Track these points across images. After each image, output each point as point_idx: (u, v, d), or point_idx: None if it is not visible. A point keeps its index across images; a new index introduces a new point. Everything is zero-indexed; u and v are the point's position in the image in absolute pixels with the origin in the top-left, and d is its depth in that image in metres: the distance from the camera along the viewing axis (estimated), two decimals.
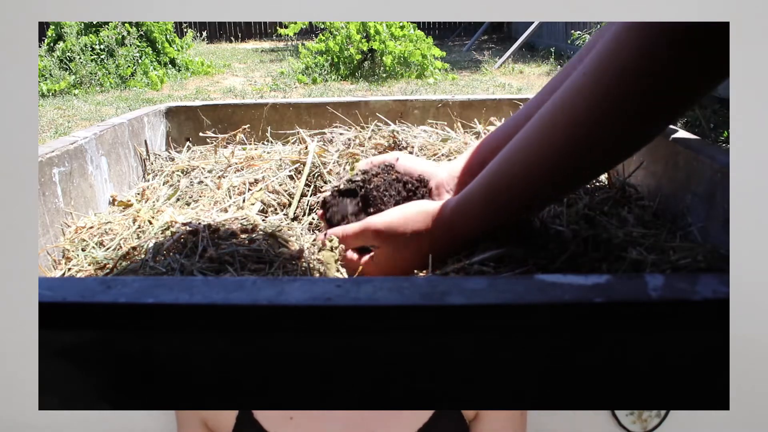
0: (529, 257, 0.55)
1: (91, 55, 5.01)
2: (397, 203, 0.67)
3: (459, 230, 0.58)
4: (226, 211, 0.75)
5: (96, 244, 0.69)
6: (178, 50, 5.70)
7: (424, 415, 0.66)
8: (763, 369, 0.54)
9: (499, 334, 0.38)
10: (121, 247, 0.67)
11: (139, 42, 5.32)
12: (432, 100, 1.11)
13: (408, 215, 0.61)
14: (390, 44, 4.96)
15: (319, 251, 0.66)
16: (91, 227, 0.73)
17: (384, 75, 5.04)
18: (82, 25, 5.16)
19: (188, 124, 1.11)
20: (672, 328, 0.38)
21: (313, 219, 0.77)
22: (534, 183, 0.53)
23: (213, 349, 0.40)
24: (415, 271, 0.61)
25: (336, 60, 5.16)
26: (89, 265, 0.65)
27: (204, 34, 8.27)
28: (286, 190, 0.82)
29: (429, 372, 0.40)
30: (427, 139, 0.93)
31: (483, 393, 0.41)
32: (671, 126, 0.81)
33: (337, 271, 0.64)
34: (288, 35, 5.99)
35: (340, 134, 0.97)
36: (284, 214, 0.79)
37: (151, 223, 0.71)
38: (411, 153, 0.87)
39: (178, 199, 0.82)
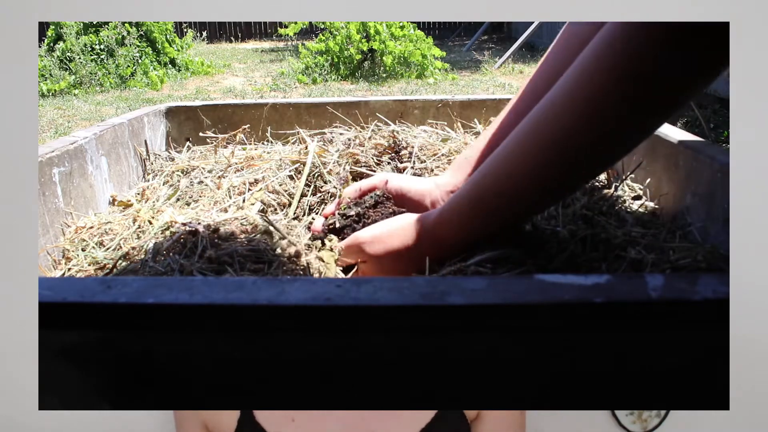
0: (527, 258, 0.55)
1: (91, 55, 5.01)
2: None
3: (444, 240, 0.57)
4: (226, 211, 0.75)
5: (96, 244, 0.69)
6: (178, 50, 5.70)
7: (425, 416, 0.66)
8: (763, 369, 0.55)
9: (499, 334, 0.38)
10: (121, 247, 0.67)
11: (139, 42, 5.32)
12: (432, 100, 1.11)
13: (393, 228, 0.61)
14: (390, 44, 4.97)
15: (318, 250, 0.66)
16: (91, 227, 0.73)
17: (384, 75, 5.04)
18: (82, 25, 5.16)
19: (188, 124, 1.11)
20: (672, 328, 0.38)
21: (314, 219, 0.77)
22: (523, 190, 0.52)
23: (213, 349, 0.40)
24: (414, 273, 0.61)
25: (336, 60, 5.16)
26: (89, 265, 0.65)
27: (204, 34, 8.27)
28: (286, 190, 0.82)
29: (429, 372, 0.40)
30: (427, 139, 0.93)
31: (483, 393, 0.41)
32: (671, 126, 0.81)
33: (336, 272, 0.64)
34: (288, 35, 5.99)
35: (340, 134, 0.97)
36: (284, 214, 0.79)
37: (151, 223, 0.71)
38: (411, 153, 0.87)
39: (178, 199, 0.82)
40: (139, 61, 5.23)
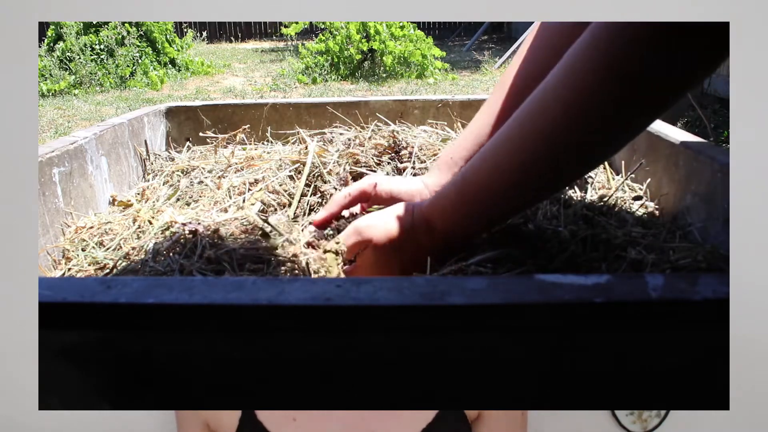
0: (528, 258, 0.55)
1: (90, 55, 5.01)
2: None
3: (437, 227, 0.58)
4: (226, 211, 0.75)
5: (96, 244, 0.69)
6: (178, 50, 5.70)
7: (426, 416, 0.66)
8: (763, 369, 0.54)
9: (499, 334, 0.38)
10: (121, 247, 0.67)
11: (139, 42, 5.32)
12: (432, 100, 1.11)
13: (389, 214, 0.61)
14: (390, 44, 4.96)
15: (324, 252, 0.66)
16: (91, 227, 0.73)
17: (384, 75, 5.04)
18: (82, 25, 5.16)
19: (188, 124, 1.11)
20: (672, 328, 0.38)
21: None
22: (510, 185, 0.52)
23: (213, 349, 0.40)
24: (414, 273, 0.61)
25: (336, 60, 5.16)
26: (89, 265, 0.65)
27: (204, 34, 8.27)
28: (286, 191, 0.82)
29: (429, 372, 0.40)
30: (427, 139, 0.93)
31: (483, 393, 0.41)
32: (671, 126, 0.81)
33: (339, 275, 0.64)
34: (288, 35, 5.99)
35: (340, 134, 0.97)
36: (284, 214, 0.79)
37: (151, 223, 0.71)
38: (411, 153, 0.87)
39: (178, 199, 0.82)
40: (139, 61, 5.22)
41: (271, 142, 1.09)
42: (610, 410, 0.92)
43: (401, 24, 5.12)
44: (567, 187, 0.77)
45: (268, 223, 0.66)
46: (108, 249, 0.68)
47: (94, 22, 5.16)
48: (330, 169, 0.84)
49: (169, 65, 5.54)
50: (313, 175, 0.84)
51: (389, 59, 4.96)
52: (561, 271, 0.48)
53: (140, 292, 0.37)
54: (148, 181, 0.95)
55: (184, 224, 0.66)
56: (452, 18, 0.74)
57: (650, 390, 0.41)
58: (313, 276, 0.61)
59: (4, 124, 0.58)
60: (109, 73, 4.99)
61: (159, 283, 0.38)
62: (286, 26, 6.01)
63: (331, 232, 0.72)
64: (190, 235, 0.63)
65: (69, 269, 0.66)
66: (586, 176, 0.81)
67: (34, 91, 0.60)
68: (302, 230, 0.74)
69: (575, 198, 0.74)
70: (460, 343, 0.39)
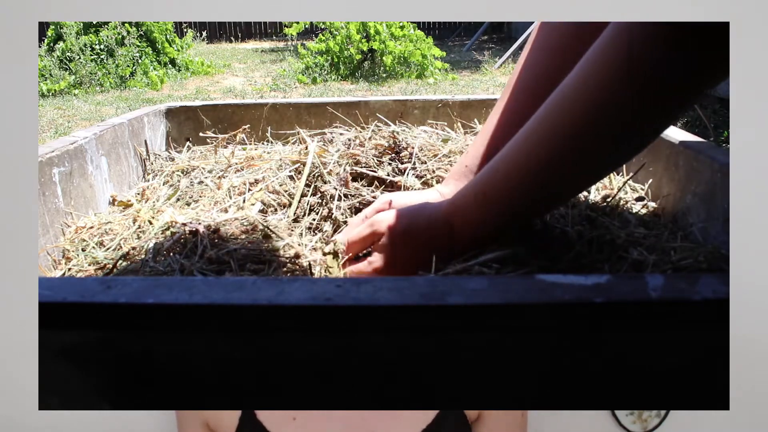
0: (533, 258, 0.55)
1: (90, 55, 5.01)
2: None
3: (456, 227, 0.57)
4: (226, 211, 0.75)
5: (96, 244, 0.69)
6: (178, 50, 5.70)
7: (426, 416, 0.66)
8: (763, 369, 0.54)
9: (499, 334, 0.38)
10: (121, 247, 0.67)
11: (139, 42, 5.32)
12: (432, 100, 1.11)
13: (409, 211, 0.61)
14: (390, 44, 4.96)
15: (324, 254, 0.66)
16: (91, 227, 0.73)
17: (384, 75, 5.04)
18: (82, 25, 5.16)
19: (188, 124, 1.11)
20: (672, 328, 0.38)
21: (314, 219, 0.77)
22: (530, 187, 0.52)
23: (213, 349, 0.40)
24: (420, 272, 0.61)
25: (336, 60, 5.16)
26: (89, 265, 0.65)
27: (204, 34, 8.27)
28: (287, 191, 0.82)
29: (429, 372, 0.40)
30: (427, 140, 0.93)
31: (483, 393, 0.41)
32: (672, 126, 0.81)
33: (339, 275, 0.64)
34: (289, 35, 5.99)
35: (340, 134, 0.97)
36: (284, 215, 0.78)
37: (151, 223, 0.71)
38: (411, 153, 0.87)
39: (178, 199, 0.82)
40: (139, 61, 5.22)
41: (271, 142, 1.09)
42: (610, 410, 0.92)
43: (401, 24, 5.12)
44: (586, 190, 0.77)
45: (269, 228, 0.66)
46: (108, 249, 0.68)
47: (94, 22, 5.16)
48: (330, 170, 0.84)
49: (169, 65, 5.54)
50: (314, 175, 0.84)
51: (389, 59, 4.96)
52: (564, 272, 0.48)
53: (140, 292, 0.37)
54: (148, 181, 0.95)
55: (184, 224, 0.66)
56: (452, 18, 0.74)
57: (650, 390, 0.41)
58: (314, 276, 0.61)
59: (4, 124, 0.58)
60: (109, 73, 4.99)
61: (159, 283, 0.38)
62: (287, 26, 6.01)
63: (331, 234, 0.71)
64: (191, 235, 0.63)
65: (69, 269, 0.66)
66: None
67: (34, 91, 0.60)
68: (302, 233, 0.74)
69: (581, 198, 0.74)
70: (460, 343, 0.39)
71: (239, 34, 9.48)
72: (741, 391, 0.53)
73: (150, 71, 5.12)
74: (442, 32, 9.31)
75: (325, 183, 0.83)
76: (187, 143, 1.09)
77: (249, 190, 0.81)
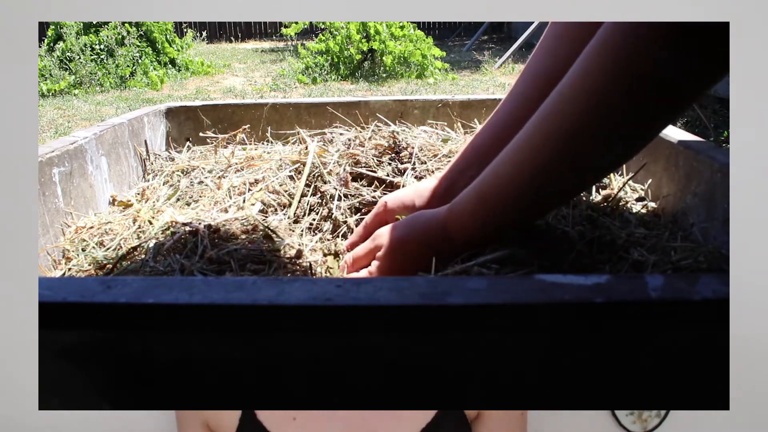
0: (533, 259, 0.55)
1: (91, 55, 5.01)
2: None
3: (455, 235, 0.57)
4: (226, 211, 0.75)
5: (96, 244, 0.69)
6: (178, 50, 5.70)
7: (425, 416, 0.66)
8: (763, 369, 0.54)
9: (499, 334, 0.38)
10: (121, 247, 0.67)
11: (139, 42, 5.32)
12: (432, 100, 1.11)
13: (407, 221, 0.61)
14: (390, 44, 4.96)
15: (324, 256, 0.66)
16: (91, 227, 0.73)
17: (384, 75, 5.04)
18: (82, 25, 5.16)
19: (188, 124, 1.11)
20: (672, 328, 0.38)
21: (314, 219, 0.78)
22: (527, 189, 0.52)
23: (213, 349, 0.40)
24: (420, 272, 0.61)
25: (336, 60, 5.16)
26: (89, 265, 0.65)
27: (204, 34, 8.27)
28: (287, 191, 0.82)
29: (429, 372, 0.40)
30: (427, 140, 0.93)
31: (483, 393, 0.41)
32: (671, 126, 0.81)
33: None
34: (288, 35, 6.00)
35: (340, 134, 0.97)
36: (284, 215, 0.79)
37: (151, 223, 0.71)
38: (411, 153, 0.87)
39: (178, 199, 0.82)
40: (139, 61, 5.23)
41: (271, 142, 1.09)
42: (610, 410, 0.92)
43: (401, 24, 5.12)
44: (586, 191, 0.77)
45: (269, 229, 0.66)
46: (108, 249, 0.68)
47: (94, 22, 5.16)
48: (330, 170, 0.84)
49: (169, 65, 5.54)
50: (314, 175, 0.84)
51: (389, 59, 4.96)
52: (565, 272, 0.48)
53: (140, 292, 0.37)
54: (148, 181, 0.95)
55: (184, 224, 0.66)
56: (452, 18, 0.74)
57: (650, 390, 0.41)
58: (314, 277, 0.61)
59: (4, 124, 0.58)
60: (109, 73, 4.99)
61: (159, 283, 0.38)
62: (286, 26, 6.01)
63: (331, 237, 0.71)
64: (191, 235, 0.63)
65: (69, 269, 0.66)
66: None
67: (34, 91, 0.60)
68: (303, 233, 0.74)
69: (582, 198, 0.74)
70: (460, 343, 0.39)
71: (239, 34, 9.48)
72: (741, 391, 0.53)
73: (150, 71, 5.12)
74: (442, 32, 9.31)
75: (325, 183, 0.83)
76: (187, 143, 1.09)
77: (249, 190, 0.81)
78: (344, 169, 0.84)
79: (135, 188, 0.93)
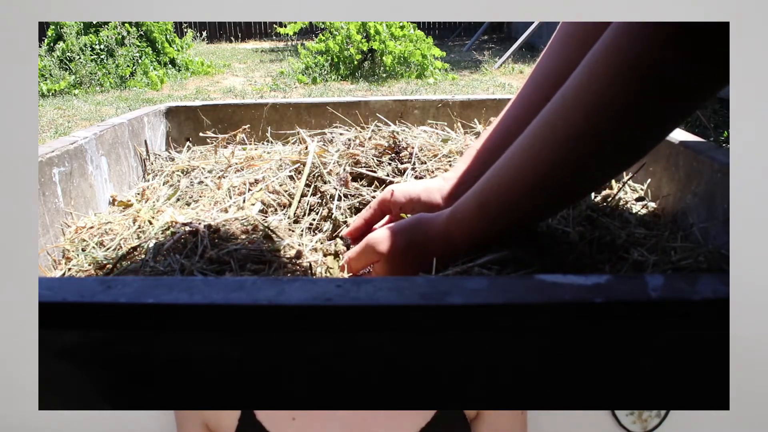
0: (534, 260, 0.55)
1: (91, 55, 5.01)
2: None
3: (456, 240, 0.57)
4: (226, 211, 0.75)
5: (96, 244, 0.69)
6: (178, 50, 5.70)
7: (425, 416, 0.66)
8: (763, 369, 0.54)
9: (499, 334, 0.38)
10: (121, 247, 0.67)
11: (139, 42, 5.32)
12: (432, 100, 1.11)
13: (405, 228, 0.60)
14: (390, 44, 4.97)
15: (324, 256, 0.66)
16: (91, 227, 0.73)
17: (384, 75, 5.04)
18: (82, 25, 5.16)
19: (188, 124, 1.11)
20: (672, 328, 0.38)
21: (314, 219, 0.78)
22: (530, 192, 0.52)
23: (213, 349, 0.40)
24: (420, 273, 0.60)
25: (336, 60, 5.16)
26: (89, 265, 0.65)
27: (204, 34, 8.28)
28: (287, 191, 0.82)
29: (429, 372, 0.40)
30: (427, 140, 0.93)
31: (483, 393, 0.41)
32: None
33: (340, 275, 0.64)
34: (288, 35, 5.99)
35: (340, 134, 0.97)
36: (284, 215, 0.79)
37: (151, 223, 0.71)
38: (411, 153, 0.87)
39: (178, 199, 0.82)
40: (139, 61, 5.23)
41: (271, 142, 1.09)
42: (610, 410, 0.92)
43: (401, 24, 5.12)
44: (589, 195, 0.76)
45: (269, 229, 0.66)
46: (108, 249, 0.68)
47: (94, 22, 5.16)
48: (330, 170, 0.84)
49: (169, 65, 5.54)
50: (314, 175, 0.84)
51: (389, 59, 4.96)
52: (565, 272, 0.47)
53: (140, 292, 0.37)
54: (148, 181, 0.95)
55: (184, 224, 0.66)
56: (452, 18, 0.74)
57: (650, 390, 0.41)
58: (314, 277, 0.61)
59: (4, 124, 0.58)
60: (109, 73, 4.99)
61: (159, 283, 0.38)
62: (284, 26, 6.01)
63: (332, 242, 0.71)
64: (191, 235, 0.63)
65: (69, 269, 0.66)
66: None
67: (34, 91, 0.60)
68: (303, 233, 0.74)
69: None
70: (460, 343, 0.39)
71: (239, 34, 9.48)
72: (741, 391, 0.53)
73: (150, 71, 5.12)
74: (442, 32, 9.31)
75: (325, 183, 0.83)
76: (187, 143, 1.09)
77: (249, 190, 0.81)
78: (344, 169, 0.84)
79: (135, 188, 0.93)
